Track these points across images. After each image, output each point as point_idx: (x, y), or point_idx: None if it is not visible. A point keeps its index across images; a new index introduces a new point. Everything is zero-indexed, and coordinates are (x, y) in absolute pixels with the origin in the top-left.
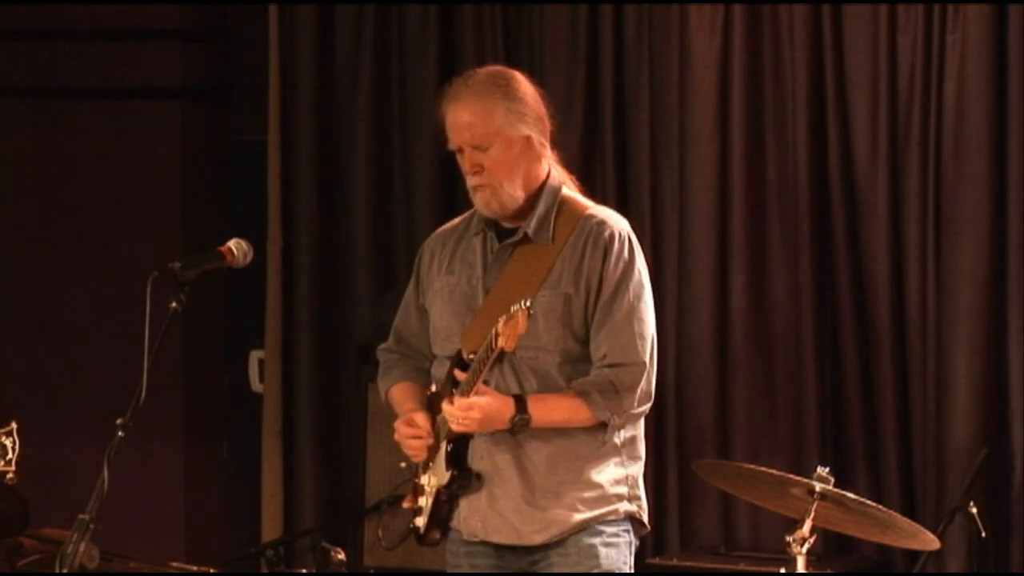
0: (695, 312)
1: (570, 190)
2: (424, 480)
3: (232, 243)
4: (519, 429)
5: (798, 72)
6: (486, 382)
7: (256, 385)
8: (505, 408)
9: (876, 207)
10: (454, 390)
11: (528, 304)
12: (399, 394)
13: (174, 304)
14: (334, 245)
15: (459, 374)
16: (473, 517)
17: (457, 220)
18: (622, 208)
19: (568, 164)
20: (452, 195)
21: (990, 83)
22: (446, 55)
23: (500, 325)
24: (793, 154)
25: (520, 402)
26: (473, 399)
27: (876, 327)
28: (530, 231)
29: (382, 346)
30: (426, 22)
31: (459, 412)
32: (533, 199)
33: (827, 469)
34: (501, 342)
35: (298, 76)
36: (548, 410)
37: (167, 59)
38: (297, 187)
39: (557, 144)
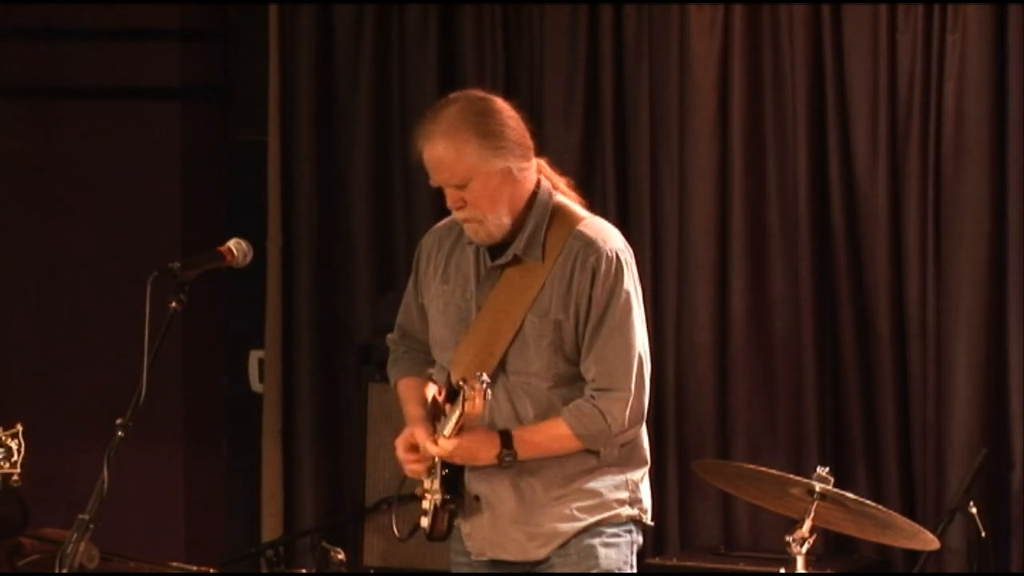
0: (695, 312)
1: (563, 195)
2: (427, 484)
3: (232, 243)
4: (507, 464)
5: (798, 72)
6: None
7: (256, 385)
8: (490, 444)
9: (876, 207)
10: (437, 425)
11: (485, 385)
12: (404, 391)
13: (174, 304)
14: (334, 245)
15: (448, 407)
16: (475, 537)
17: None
18: (622, 209)
19: (568, 165)
20: None
21: (990, 83)
22: (446, 55)
23: (466, 390)
24: (793, 154)
25: (506, 438)
26: (455, 440)
27: (876, 327)
28: (520, 252)
29: (390, 336)
30: (426, 22)
31: (442, 453)
32: (522, 218)
33: (827, 469)
34: (467, 407)
35: (298, 76)
36: (535, 444)
37: (167, 59)
38: (297, 187)
39: (556, 145)
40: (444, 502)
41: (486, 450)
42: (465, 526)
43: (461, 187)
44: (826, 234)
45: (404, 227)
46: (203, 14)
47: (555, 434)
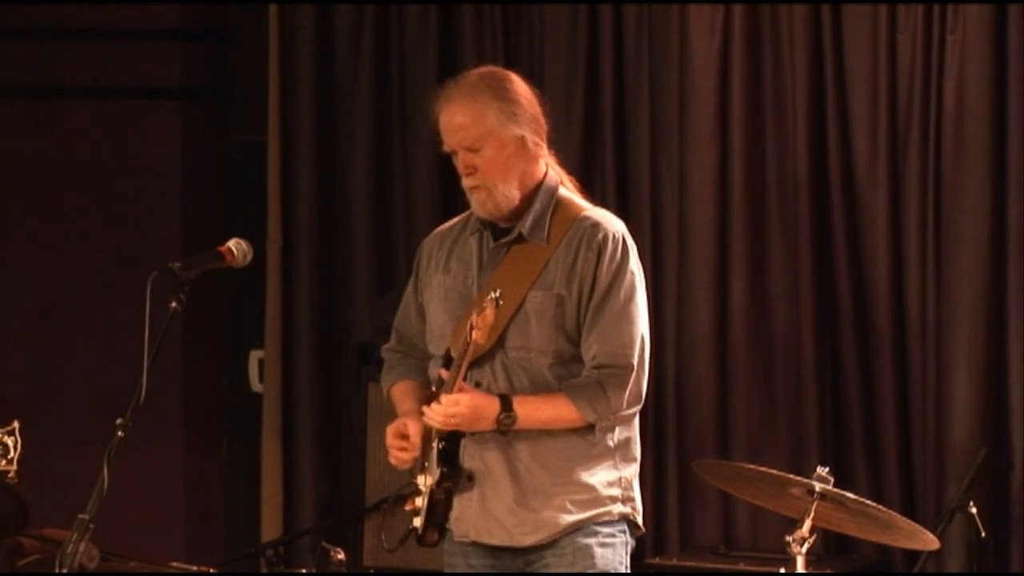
0: (695, 312)
1: (568, 190)
2: (420, 480)
3: (232, 243)
4: (506, 427)
5: (798, 72)
6: (478, 384)
7: (256, 385)
8: (490, 407)
9: (876, 207)
10: (440, 388)
11: (497, 295)
12: (398, 393)
13: (174, 304)
14: (334, 245)
15: (443, 372)
16: (464, 518)
17: (455, 220)
18: (622, 208)
19: (568, 164)
20: (452, 195)
21: (990, 83)
22: (446, 55)
23: (474, 318)
24: (793, 154)
25: (505, 401)
26: (457, 395)
27: (876, 327)
28: (525, 231)
29: (385, 346)
30: (426, 22)
31: (443, 409)
32: (529, 199)
33: (827, 469)
34: (475, 335)
35: (298, 76)
36: (534, 409)
37: (167, 59)
38: (297, 187)
39: (556, 144)
40: (441, 477)
41: (487, 410)
42: (456, 507)
43: (474, 150)
44: (826, 234)
45: (404, 227)
46: (203, 14)
47: (554, 403)
